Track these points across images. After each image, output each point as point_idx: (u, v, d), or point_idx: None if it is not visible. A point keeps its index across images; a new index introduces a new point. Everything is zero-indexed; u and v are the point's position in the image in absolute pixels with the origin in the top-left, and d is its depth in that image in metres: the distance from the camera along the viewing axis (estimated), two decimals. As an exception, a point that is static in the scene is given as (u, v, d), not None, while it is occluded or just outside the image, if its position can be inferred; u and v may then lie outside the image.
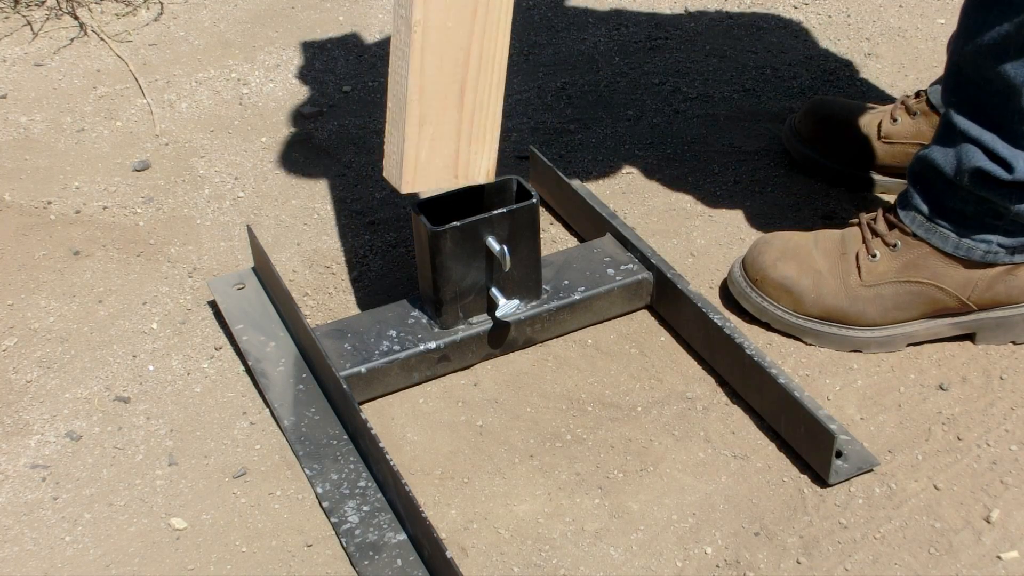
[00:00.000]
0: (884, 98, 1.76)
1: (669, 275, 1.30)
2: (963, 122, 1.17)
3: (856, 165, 1.53)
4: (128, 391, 1.27)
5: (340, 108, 1.78)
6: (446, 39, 1.13)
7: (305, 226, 1.52)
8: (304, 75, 1.87)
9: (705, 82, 1.81)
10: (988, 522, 1.08)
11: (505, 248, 1.21)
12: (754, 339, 1.30)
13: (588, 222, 1.44)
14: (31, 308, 1.39)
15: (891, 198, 1.52)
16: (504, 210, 1.21)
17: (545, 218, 1.51)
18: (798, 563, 1.05)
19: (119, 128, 1.74)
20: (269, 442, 1.19)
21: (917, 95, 1.51)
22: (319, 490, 1.12)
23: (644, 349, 1.30)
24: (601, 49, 1.92)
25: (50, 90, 1.84)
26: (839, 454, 1.13)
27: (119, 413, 1.24)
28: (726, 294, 1.36)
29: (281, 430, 1.20)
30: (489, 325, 1.26)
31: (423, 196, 1.23)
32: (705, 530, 1.09)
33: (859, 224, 1.30)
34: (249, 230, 1.32)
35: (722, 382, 1.25)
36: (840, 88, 1.79)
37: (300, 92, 1.83)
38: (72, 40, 1.98)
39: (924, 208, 1.23)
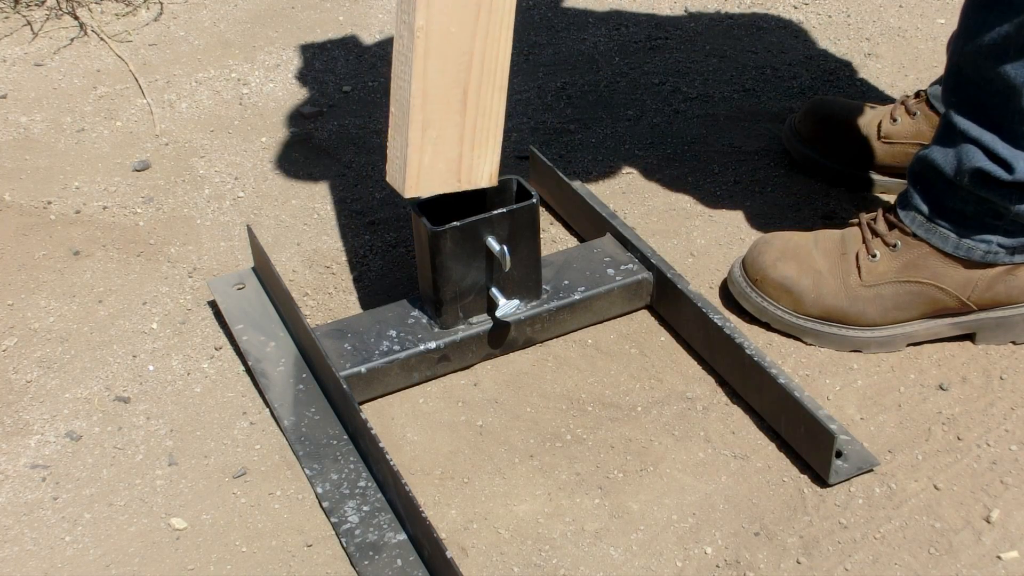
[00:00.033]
0: (884, 98, 1.76)
1: (669, 275, 1.30)
2: (963, 122, 1.17)
3: (856, 165, 1.53)
4: (128, 391, 1.27)
5: (340, 108, 1.78)
6: (449, 44, 1.13)
7: (305, 226, 1.52)
8: (304, 75, 1.87)
9: (705, 82, 1.81)
10: (988, 522, 1.08)
11: (505, 248, 1.21)
12: (754, 339, 1.30)
13: (588, 222, 1.44)
14: (31, 308, 1.39)
15: (891, 198, 1.52)
16: (504, 210, 1.21)
17: (545, 218, 1.51)
18: (798, 563, 1.05)
19: (119, 128, 1.74)
20: (269, 442, 1.19)
21: (917, 95, 1.51)
22: (319, 490, 1.12)
23: (644, 349, 1.30)
24: (601, 49, 1.92)
25: (50, 90, 1.84)
26: (839, 454, 1.13)
27: (119, 413, 1.24)
28: (726, 294, 1.37)
29: (281, 430, 1.20)
30: (489, 325, 1.26)
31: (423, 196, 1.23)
32: (705, 530, 1.09)
33: (859, 224, 1.30)
34: (249, 230, 1.32)
35: (722, 382, 1.25)
36: (840, 88, 1.79)
37: (300, 92, 1.83)
38: (72, 40, 1.98)
39: (924, 208, 1.23)
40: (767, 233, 1.35)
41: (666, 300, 1.32)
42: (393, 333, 1.25)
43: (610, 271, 1.33)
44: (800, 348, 1.29)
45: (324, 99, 1.81)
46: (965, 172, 1.17)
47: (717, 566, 1.05)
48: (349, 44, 1.96)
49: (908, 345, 1.28)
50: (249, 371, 1.27)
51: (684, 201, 1.54)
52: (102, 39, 1.97)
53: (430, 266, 1.21)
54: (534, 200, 1.22)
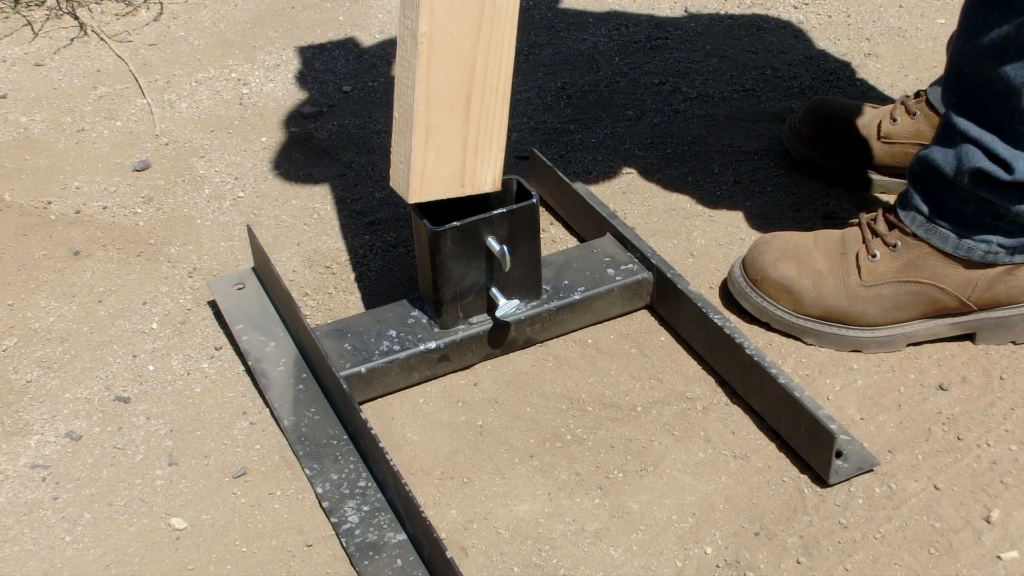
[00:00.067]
0: (884, 98, 1.76)
1: (669, 275, 1.30)
2: (963, 123, 1.17)
3: (856, 165, 1.53)
4: (128, 391, 1.27)
5: (340, 108, 1.78)
6: (452, 50, 1.13)
7: (305, 226, 1.52)
8: (304, 75, 1.87)
9: (705, 82, 1.81)
10: (988, 522, 1.08)
11: (505, 248, 1.21)
12: (754, 339, 1.30)
13: (588, 222, 1.44)
14: (31, 308, 1.39)
15: (891, 198, 1.52)
16: (504, 210, 1.21)
17: (545, 218, 1.51)
18: (798, 563, 1.05)
19: (119, 128, 1.74)
20: (269, 442, 1.19)
21: (917, 95, 1.51)
22: (319, 490, 1.12)
23: (644, 349, 1.30)
24: (601, 49, 1.92)
25: (50, 90, 1.84)
26: (839, 454, 1.13)
27: (119, 413, 1.24)
28: (726, 294, 1.37)
29: (281, 430, 1.20)
30: (489, 325, 1.26)
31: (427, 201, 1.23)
32: (705, 530, 1.09)
33: (859, 224, 1.30)
34: (249, 230, 1.32)
35: (722, 382, 1.25)
36: (840, 88, 1.79)
37: (300, 92, 1.83)
38: (72, 40, 1.98)
39: (924, 208, 1.23)
40: (767, 233, 1.35)
41: (666, 300, 1.32)
42: (393, 333, 1.25)
43: (610, 271, 1.33)
44: (800, 348, 1.29)
45: (324, 99, 1.81)
46: (965, 172, 1.17)
47: (717, 566, 1.05)
48: (349, 44, 1.96)
49: (908, 345, 1.28)
50: (249, 371, 1.27)
51: (684, 201, 1.54)
52: (102, 39, 1.97)
53: (430, 266, 1.21)
54: (534, 200, 1.22)
